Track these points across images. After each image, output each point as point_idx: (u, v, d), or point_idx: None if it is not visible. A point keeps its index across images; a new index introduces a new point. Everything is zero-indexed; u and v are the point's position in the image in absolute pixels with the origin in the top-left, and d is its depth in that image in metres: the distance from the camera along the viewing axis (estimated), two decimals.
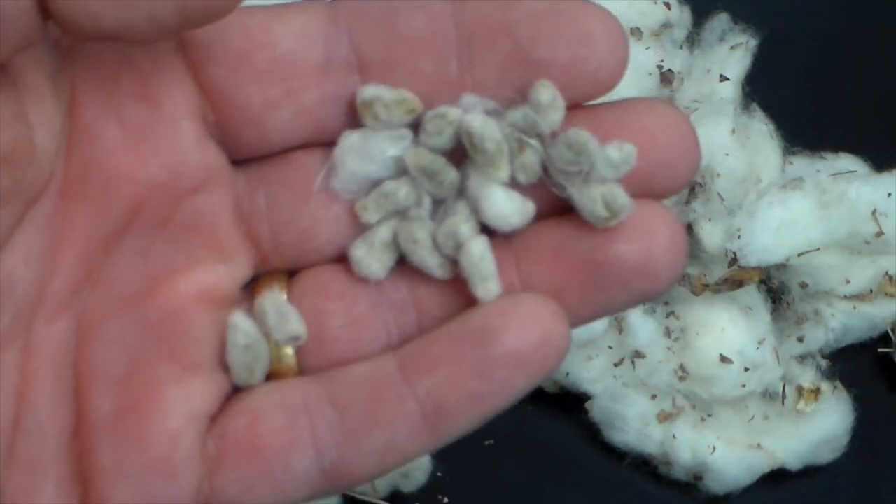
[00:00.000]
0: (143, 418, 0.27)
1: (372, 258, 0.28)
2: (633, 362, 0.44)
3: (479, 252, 0.27)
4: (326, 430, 0.27)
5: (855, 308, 0.45)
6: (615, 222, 0.26)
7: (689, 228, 0.44)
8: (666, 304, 0.45)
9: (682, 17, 0.49)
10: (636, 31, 0.48)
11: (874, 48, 0.52)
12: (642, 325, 0.44)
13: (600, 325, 0.44)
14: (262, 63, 0.27)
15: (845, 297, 0.45)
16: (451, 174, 0.27)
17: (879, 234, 0.44)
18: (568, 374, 0.45)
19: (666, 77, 0.46)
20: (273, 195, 0.28)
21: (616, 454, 0.46)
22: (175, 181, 0.27)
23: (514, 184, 0.27)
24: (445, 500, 0.46)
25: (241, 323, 0.27)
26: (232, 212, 0.28)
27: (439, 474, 0.45)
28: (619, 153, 0.26)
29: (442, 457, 0.44)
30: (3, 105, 0.25)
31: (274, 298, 0.28)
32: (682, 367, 0.44)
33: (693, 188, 0.44)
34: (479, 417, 0.26)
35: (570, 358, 0.45)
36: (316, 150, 0.28)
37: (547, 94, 0.26)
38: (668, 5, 0.48)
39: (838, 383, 0.45)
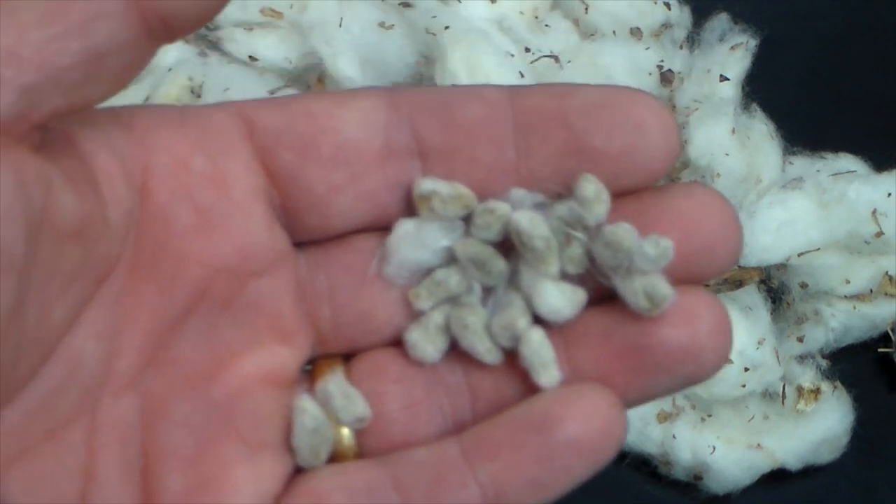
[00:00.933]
0: (213, 497, 0.27)
1: (426, 342, 0.28)
2: None
3: (538, 341, 0.28)
4: None
5: (855, 308, 0.45)
6: (658, 312, 0.27)
7: None
8: None
9: (682, 17, 0.49)
10: (636, 31, 0.48)
11: (874, 48, 0.52)
12: None
13: None
14: (327, 148, 0.28)
15: (845, 297, 0.45)
16: (499, 264, 0.28)
17: (879, 234, 0.44)
18: None
19: (666, 77, 0.46)
20: (333, 278, 0.29)
21: (616, 454, 0.45)
22: (243, 264, 0.28)
23: (563, 274, 0.28)
24: None
25: (308, 406, 0.28)
26: (294, 294, 0.29)
27: None
28: (655, 249, 0.27)
29: None
30: (76, 181, 0.25)
31: (338, 381, 0.28)
32: None
33: None
34: (540, 501, 0.27)
35: None
36: (375, 234, 0.29)
37: (591, 188, 0.27)
38: (668, 5, 0.48)
39: (838, 383, 0.45)
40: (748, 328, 0.44)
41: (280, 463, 0.28)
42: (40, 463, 0.26)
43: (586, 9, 0.48)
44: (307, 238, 0.29)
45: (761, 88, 0.47)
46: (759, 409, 0.45)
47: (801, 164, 0.46)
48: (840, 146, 0.47)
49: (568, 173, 0.27)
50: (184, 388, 0.28)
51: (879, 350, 0.47)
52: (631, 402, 0.28)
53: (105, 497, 0.27)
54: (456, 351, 0.29)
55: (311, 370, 0.29)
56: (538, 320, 0.28)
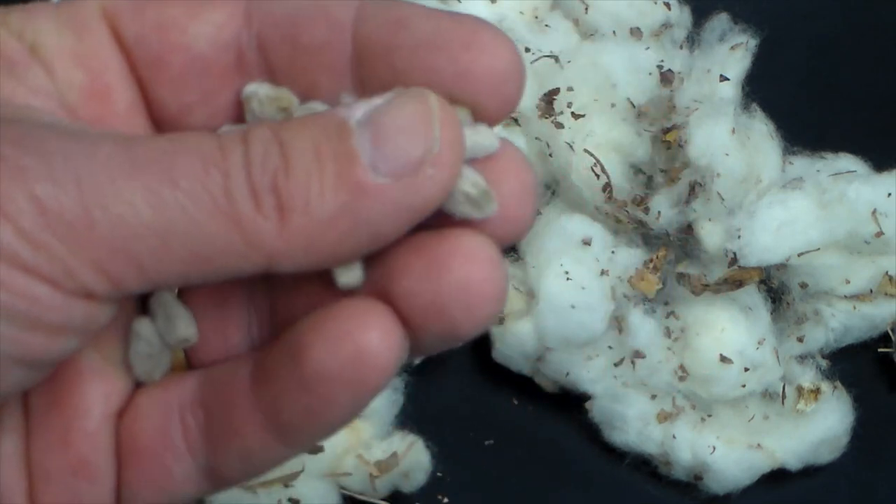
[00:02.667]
0: (67, 416, 0.27)
1: None
2: (633, 362, 0.44)
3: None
4: (197, 433, 0.27)
5: (855, 308, 0.45)
6: (478, 214, 0.25)
7: (689, 228, 0.45)
8: (666, 304, 0.45)
9: (682, 17, 0.49)
10: (636, 31, 0.48)
11: (874, 48, 0.52)
12: (642, 325, 0.44)
13: (600, 324, 0.44)
14: (177, 67, 0.27)
15: (845, 297, 0.45)
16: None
17: (879, 234, 0.44)
18: (568, 373, 0.45)
19: (666, 77, 0.46)
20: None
21: (616, 454, 0.46)
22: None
23: None
24: (445, 500, 0.46)
25: (144, 331, 0.28)
26: None
27: (439, 474, 0.45)
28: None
29: (442, 457, 0.44)
30: None
31: (163, 299, 0.28)
32: (682, 367, 0.44)
33: (693, 188, 0.44)
34: (322, 430, 0.26)
35: (570, 358, 0.45)
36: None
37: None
38: (668, 5, 0.48)
39: (838, 383, 0.45)
40: (748, 328, 0.44)
41: (126, 377, 0.28)
42: None
43: (586, 9, 0.48)
44: None
45: (761, 88, 0.47)
46: (759, 409, 0.45)
47: (801, 164, 0.46)
48: (840, 146, 0.47)
49: None
50: None
51: (879, 350, 0.47)
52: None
53: (10, 409, 0.27)
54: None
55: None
56: None
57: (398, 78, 0.26)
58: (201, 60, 0.27)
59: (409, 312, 0.25)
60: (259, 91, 0.27)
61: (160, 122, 0.28)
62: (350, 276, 0.26)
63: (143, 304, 0.28)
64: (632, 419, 0.45)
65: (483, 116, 0.26)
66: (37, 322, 0.24)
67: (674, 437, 0.44)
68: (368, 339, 0.24)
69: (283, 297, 0.27)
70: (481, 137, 0.26)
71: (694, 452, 0.44)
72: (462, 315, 0.25)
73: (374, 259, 0.26)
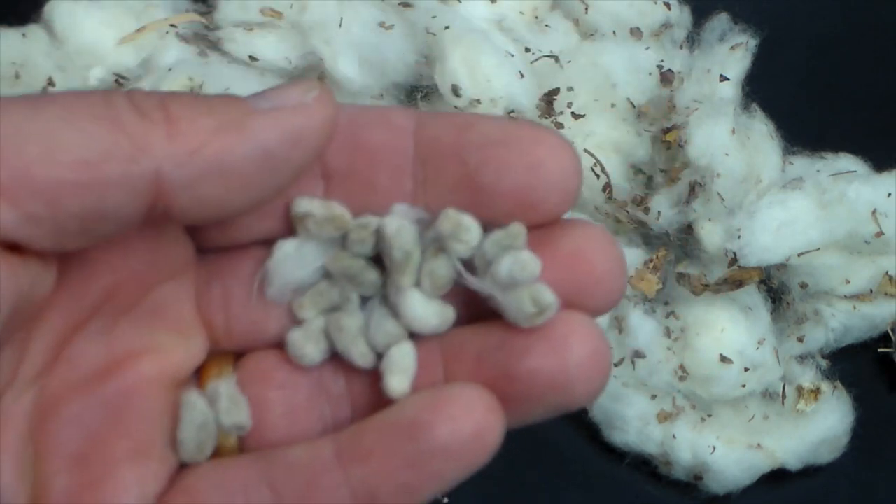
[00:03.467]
0: (98, 500, 0.27)
1: (306, 342, 0.29)
2: (633, 362, 0.44)
3: (400, 351, 0.28)
4: None
5: (855, 308, 0.45)
6: (542, 319, 0.27)
7: (689, 228, 0.45)
8: (666, 304, 0.45)
9: (682, 17, 0.49)
10: (636, 31, 0.48)
11: (874, 48, 0.52)
12: (642, 325, 0.44)
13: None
14: None
15: (845, 297, 0.45)
16: (370, 275, 0.29)
17: (879, 234, 0.44)
18: None
19: (666, 77, 0.46)
20: (227, 287, 0.29)
21: (616, 454, 0.46)
22: (152, 271, 0.29)
23: (426, 292, 0.28)
24: (445, 500, 0.45)
25: (197, 401, 0.28)
26: (195, 299, 0.29)
27: None
28: (517, 267, 0.27)
29: None
30: None
31: (229, 385, 0.29)
32: (682, 367, 0.44)
33: (693, 188, 0.44)
34: None
35: None
36: (265, 247, 0.29)
37: (447, 225, 0.27)
38: (668, 5, 0.48)
39: (838, 383, 0.45)
40: (748, 328, 0.44)
41: (166, 462, 0.28)
42: None
43: (586, 9, 0.48)
44: (209, 247, 0.29)
45: (761, 88, 0.47)
46: (759, 409, 0.45)
47: (801, 164, 0.46)
48: (840, 146, 0.47)
49: (464, 206, 0.28)
50: (78, 387, 0.28)
51: (879, 350, 0.47)
52: (507, 426, 0.27)
53: (2, 495, 0.27)
54: (340, 360, 0.29)
55: (201, 366, 0.30)
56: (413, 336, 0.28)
57: (468, 173, 0.27)
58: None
59: (530, 389, 0.27)
60: (315, 211, 0.28)
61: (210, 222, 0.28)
62: (399, 383, 0.28)
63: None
64: (632, 419, 0.45)
65: (548, 209, 0.27)
66: None
67: (674, 437, 0.44)
68: (485, 419, 0.26)
69: (359, 390, 0.29)
70: (526, 261, 0.27)
71: (694, 452, 0.44)
72: (583, 388, 0.27)
73: (479, 343, 0.27)
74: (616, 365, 0.45)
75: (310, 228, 0.28)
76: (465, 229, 0.27)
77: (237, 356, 0.30)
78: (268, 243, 0.29)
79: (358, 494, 0.26)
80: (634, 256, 0.45)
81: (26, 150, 0.24)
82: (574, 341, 0.27)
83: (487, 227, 0.28)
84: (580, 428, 0.46)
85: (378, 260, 0.29)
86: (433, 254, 0.28)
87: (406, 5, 0.46)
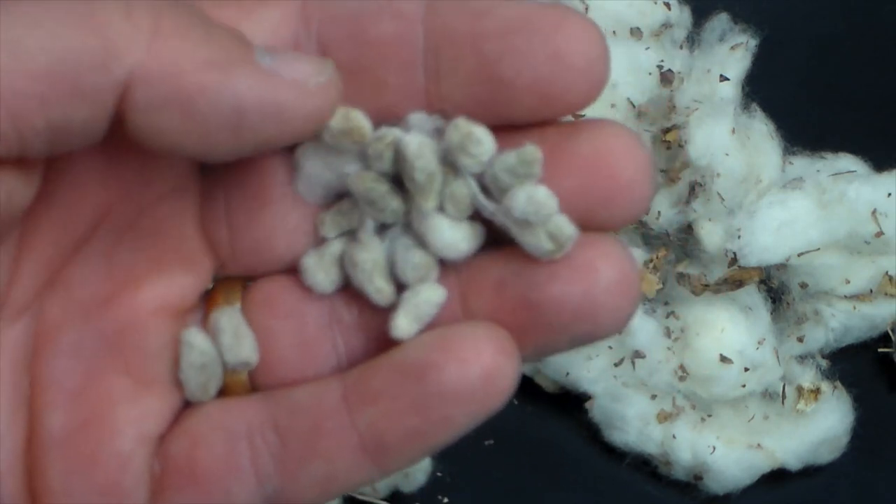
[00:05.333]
0: (94, 439, 0.26)
1: (319, 270, 0.27)
2: (633, 362, 0.44)
3: (426, 295, 0.26)
4: (268, 458, 0.26)
5: (855, 308, 0.45)
6: (560, 254, 0.25)
7: (689, 228, 0.45)
8: (666, 304, 0.45)
9: (682, 17, 0.49)
10: (636, 31, 0.48)
11: (874, 48, 0.52)
12: (642, 325, 0.44)
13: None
14: None
15: (845, 297, 0.45)
16: (392, 203, 0.26)
17: (879, 234, 0.44)
18: (568, 373, 0.45)
19: (666, 77, 0.46)
20: (231, 199, 0.27)
21: (616, 454, 0.46)
22: (146, 189, 0.27)
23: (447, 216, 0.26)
24: (445, 500, 0.46)
25: (196, 341, 0.27)
26: (197, 217, 0.27)
27: (439, 474, 0.45)
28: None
29: (442, 457, 0.44)
30: None
31: (231, 317, 0.27)
32: (682, 367, 0.44)
33: (693, 188, 0.44)
34: (422, 452, 0.25)
35: (570, 358, 0.45)
36: (276, 154, 0.27)
37: (455, 136, 0.25)
38: (668, 5, 0.48)
39: (838, 383, 0.45)
40: (748, 328, 0.44)
41: (168, 399, 0.27)
42: None
43: (586, 9, 0.48)
44: (216, 159, 0.27)
45: (761, 88, 0.47)
46: (759, 409, 0.45)
47: (801, 164, 0.46)
48: (840, 146, 0.47)
49: (481, 101, 0.25)
50: (76, 316, 0.26)
51: (879, 350, 0.47)
52: (526, 358, 0.26)
53: None
54: (354, 288, 0.27)
55: (208, 294, 0.28)
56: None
57: (485, 64, 0.25)
58: None
59: (554, 318, 0.25)
60: (331, 123, 0.26)
61: None
62: (407, 325, 0.26)
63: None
64: (632, 419, 0.45)
65: (573, 101, 0.25)
66: None
67: (674, 437, 0.44)
68: (496, 361, 0.25)
69: (374, 321, 0.27)
70: (541, 201, 0.25)
71: (694, 452, 0.44)
72: (610, 315, 0.25)
73: (498, 269, 0.26)
74: (616, 365, 0.45)
75: (326, 140, 0.26)
76: (475, 142, 0.25)
77: (246, 283, 0.28)
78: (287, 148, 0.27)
79: (365, 439, 0.25)
80: (634, 256, 0.45)
81: None
82: (601, 265, 0.25)
83: (508, 124, 0.25)
84: (580, 428, 0.46)
85: (397, 181, 0.26)
86: (450, 172, 0.26)
87: None
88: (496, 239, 0.26)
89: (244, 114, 0.24)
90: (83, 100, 0.23)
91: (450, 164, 0.26)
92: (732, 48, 0.47)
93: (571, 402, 0.46)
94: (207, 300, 0.28)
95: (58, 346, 0.26)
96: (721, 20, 0.48)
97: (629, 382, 0.45)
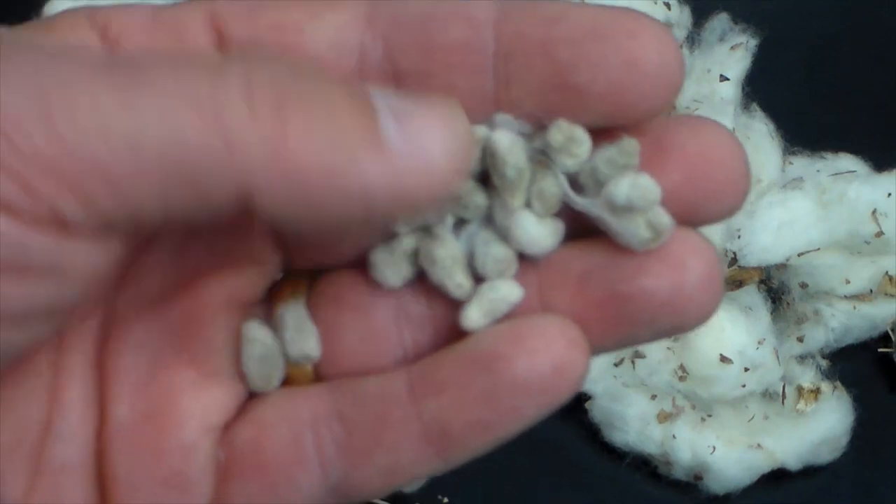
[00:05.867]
0: (159, 430, 0.26)
1: (388, 266, 0.27)
2: (633, 362, 0.44)
3: (503, 292, 0.26)
4: (333, 447, 0.26)
5: (855, 308, 0.45)
6: (657, 244, 0.25)
7: None
8: None
9: (682, 17, 0.49)
10: None
11: (874, 48, 0.52)
12: None
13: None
14: None
15: (845, 297, 0.45)
16: (477, 199, 0.26)
17: (879, 234, 0.44)
18: None
19: None
20: None
21: (616, 454, 0.46)
22: None
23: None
24: (445, 500, 0.46)
25: (257, 334, 0.27)
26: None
27: (439, 474, 0.45)
28: (632, 190, 0.25)
29: None
30: None
31: (296, 311, 0.27)
32: (682, 367, 0.44)
33: None
34: (488, 444, 0.25)
35: None
36: None
37: (559, 137, 0.25)
38: (668, 5, 0.48)
39: (838, 383, 0.45)
40: (748, 328, 0.44)
41: (233, 390, 0.27)
42: (4, 386, 0.25)
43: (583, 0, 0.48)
44: None
45: (761, 88, 0.47)
46: (759, 409, 0.45)
47: (801, 164, 0.46)
48: (840, 146, 0.47)
49: (553, 108, 0.25)
50: (143, 309, 0.26)
51: (879, 350, 0.47)
52: (607, 349, 0.26)
53: (69, 423, 0.26)
54: (422, 281, 0.27)
55: (274, 288, 0.28)
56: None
57: (558, 71, 0.25)
58: (320, 62, 0.26)
59: (643, 310, 0.25)
60: None
61: None
62: (477, 318, 0.26)
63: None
64: (632, 419, 0.45)
65: (648, 107, 0.25)
66: None
67: (674, 437, 0.44)
68: (566, 354, 0.24)
69: (441, 315, 0.27)
70: (646, 187, 0.25)
71: (694, 452, 0.44)
72: (697, 309, 0.25)
73: (582, 260, 0.25)
74: (616, 365, 0.45)
75: None
76: (577, 143, 0.25)
77: (313, 277, 0.27)
78: None
79: (430, 429, 0.25)
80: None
81: (111, 145, 0.21)
82: (691, 260, 0.25)
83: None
84: (580, 428, 0.46)
85: (479, 178, 0.26)
86: (539, 170, 0.26)
87: None
88: (574, 235, 0.26)
89: (372, 201, 0.23)
90: (201, 195, 0.23)
91: (538, 161, 0.26)
92: (732, 48, 0.47)
93: (571, 402, 0.45)
94: (273, 293, 0.28)
95: (126, 338, 0.26)
96: (721, 20, 0.48)
97: (629, 382, 0.45)
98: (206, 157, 0.22)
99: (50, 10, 0.46)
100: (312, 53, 0.26)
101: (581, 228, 0.26)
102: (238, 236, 0.27)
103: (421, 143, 0.23)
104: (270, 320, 0.27)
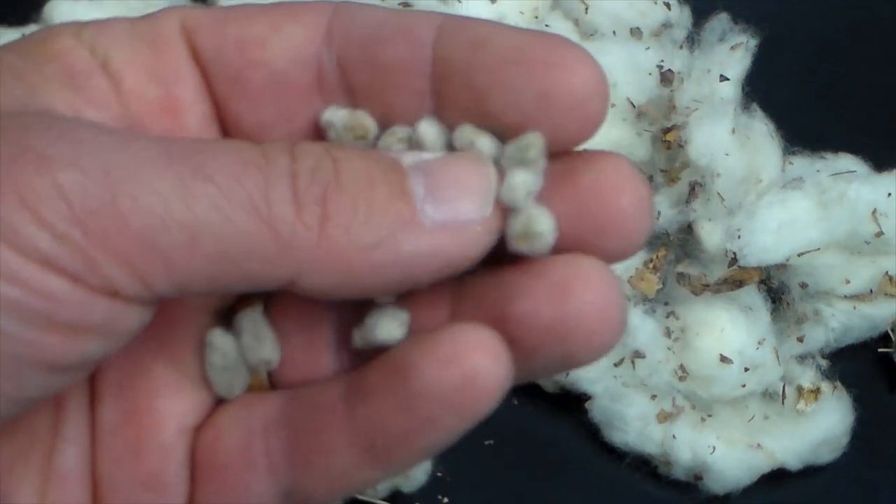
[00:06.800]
0: (139, 430, 0.27)
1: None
2: (633, 362, 0.44)
3: (384, 331, 0.26)
4: (280, 453, 0.26)
5: (855, 308, 0.45)
6: (531, 249, 0.24)
7: (689, 228, 0.45)
8: (666, 304, 0.45)
9: (682, 17, 0.49)
10: (636, 31, 0.48)
11: (874, 48, 0.52)
12: (642, 325, 0.44)
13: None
14: (256, 83, 0.26)
15: (845, 297, 0.45)
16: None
17: (879, 234, 0.44)
18: (568, 373, 0.45)
19: (666, 77, 0.46)
20: None
21: (616, 454, 0.46)
22: None
23: None
24: (445, 500, 0.46)
25: (219, 342, 0.27)
26: None
27: (439, 474, 0.45)
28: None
29: (442, 457, 0.44)
30: None
31: (253, 317, 0.27)
32: (682, 367, 0.44)
33: (693, 188, 0.44)
34: (414, 453, 0.25)
35: None
36: None
37: (461, 142, 0.25)
38: (668, 5, 0.48)
39: (838, 383, 0.45)
40: (748, 328, 0.44)
41: (207, 392, 0.27)
42: None
43: (586, 9, 0.48)
44: None
45: (761, 88, 0.47)
46: (759, 409, 0.45)
47: (801, 164, 0.46)
48: (840, 146, 0.47)
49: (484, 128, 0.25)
50: None
51: (879, 350, 0.47)
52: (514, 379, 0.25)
53: (72, 426, 0.27)
54: None
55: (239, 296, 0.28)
56: None
57: (477, 98, 0.25)
58: (281, 78, 0.26)
59: (526, 336, 0.24)
60: (335, 119, 0.26)
61: (239, 137, 0.27)
62: (389, 331, 0.26)
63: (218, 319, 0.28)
64: (632, 419, 0.45)
65: (563, 138, 0.25)
66: (53, 321, 0.23)
67: (674, 437, 0.44)
68: (478, 362, 0.24)
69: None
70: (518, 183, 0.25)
71: (694, 452, 0.44)
72: (582, 341, 0.24)
73: (485, 282, 0.25)
74: (616, 365, 0.45)
75: (331, 137, 0.26)
76: (478, 148, 0.25)
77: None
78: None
79: (360, 436, 0.25)
80: (634, 257, 0.45)
81: (170, 233, 0.23)
82: (577, 286, 0.24)
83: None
84: (580, 428, 0.46)
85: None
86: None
87: (406, 5, 0.46)
88: (496, 258, 0.26)
89: (412, 272, 0.24)
90: (249, 279, 0.24)
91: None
92: (732, 48, 0.47)
93: (571, 402, 0.46)
94: (237, 301, 0.28)
95: None
96: (721, 20, 0.48)
97: (629, 382, 0.45)
98: (257, 248, 0.23)
99: (50, 10, 0.46)
100: (274, 68, 0.26)
101: (500, 254, 0.26)
102: None
103: (455, 211, 0.24)
104: (228, 331, 0.28)
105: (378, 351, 0.26)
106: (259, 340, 0.27)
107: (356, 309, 0.27)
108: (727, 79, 0.46)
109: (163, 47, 0.27)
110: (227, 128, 0.27)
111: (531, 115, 0.24)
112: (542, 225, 0.24)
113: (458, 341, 0.24)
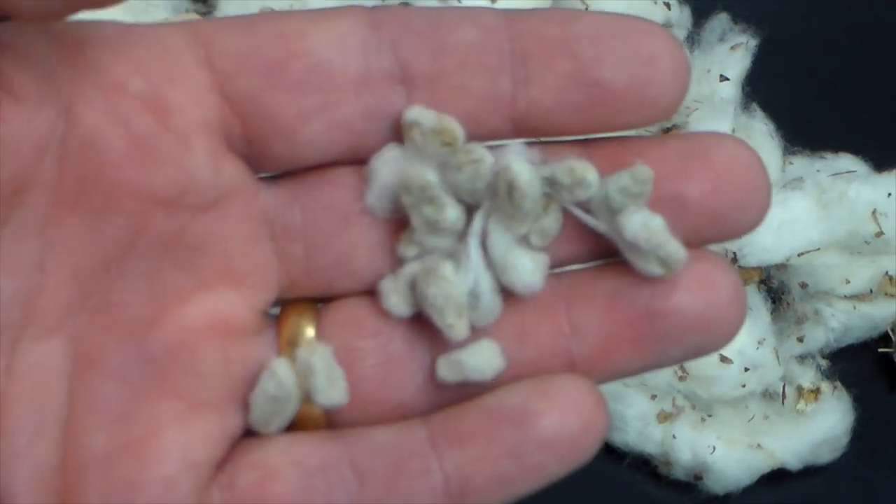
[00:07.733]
0: (137, 462, 0.25)
1: (396, 294, 0.26)
2: None
3: (482, 362, 0.26)
4: (344, 496, 0.25)
5: (855, 308, 0.45)
6: (668, 276, 0.25)
7: None
8: None
9: (682, 17, 0.49)
10: None
11: (874, 48, 0.52)
12: None
13: None
14: (296, 73, 0.25)
15: (845, 297, 0.45)
16: (449, 216, 0.25)
17: (879, 234, 0.44)
18: None
19: None
20: (309, 214, 0.26)
21: (616, 454, 0.45)
22: (181, 199, 0.26)
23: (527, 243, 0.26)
24: None
25: (281, 373, 0.26)
26: (248, 232, 0.26)
27: None
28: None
29: None
30: None
31: (324, 356, 0.26)
32: (682, 367, 0.44)
33: None
34: (505, 498, 0.25)
35: None
36: (359, 167, 0.26)
37: (567, 180, 0.25)
38: (668, 5, 0.48)
39: (838, 383, 0.45)
40: (748, 328, 0.44)
41: (222, 424, 0.26)
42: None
43: (586, 9, 0.48)
44: (277, 169, 0.27)
45: (761, 88, 0.47)
46: (759, 409, 0.45)
47: (801, 164, 0.46)
48: (840, 146, 0.47)
49: (573, 105, 0.25)
50: (120, 337, 0.26)
51: (879, 350, 0.47)
52: (635, 371, 0.26)
53: (11, 451, 0.24)
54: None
55: (279, 316, 0.27)
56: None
57: (580, 68, 0.25)
58: (324, 66, 0.26)
59: (674, 328, 0.25)
60: (422, 120, 0.25)
61: (271, 134, 0.26)
62: (489, 362, 0.26)
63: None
64: (632, 419, 0.44)
65: (664, 105, 0.25)
66: None
67: (674, 437, 0.44)
68: (595, 412, 0.25)
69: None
70: (654, 229, 0.25)
71: (694, 452, 0.44)
72: (726, 327, 0.26)
73: (622, 285, 0.26)
74: None
75: (414, 139, 0.25)
76: (584, 186, 0.25)
77: (317, 306, 0.27)
78: (352, 166, 0.26)
79: (451, 481, 0.25)
80: None
81: None
82: (719, 279, 0.26)
83: (600, 129, 0.26)
84: None
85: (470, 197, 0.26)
86: (543, 205, 0.26)
87: (406, 5, 0.46)
88: (599, 252, 0.26)
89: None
90: None
91: (544, 195, 0.26)
92: (732, 48, 0.47)
93: None
94: (279, 322, 0.27)
95: (101, 369, 0.26)
96: (721, 20, 0.48)
97: (629, 382, 0.45)
98: None
99: None
100: (315, 57, 0.25)
101: (605, 250, 0.26)
102: (214, 257, 0.26)
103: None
104: (282, 354, 0.26)
105: (461, 389, 0.26)
106: (332, 381, 0.26)
107: (434, 344, 0.26)
108: (727, 79, 0.46)
109: (159, 47, 0.26)
110: (257, 123, 0.26)
111: (641, 79, 0.25)
112: (679, 254, 0.25)
113: (577, 390, 0.25)
